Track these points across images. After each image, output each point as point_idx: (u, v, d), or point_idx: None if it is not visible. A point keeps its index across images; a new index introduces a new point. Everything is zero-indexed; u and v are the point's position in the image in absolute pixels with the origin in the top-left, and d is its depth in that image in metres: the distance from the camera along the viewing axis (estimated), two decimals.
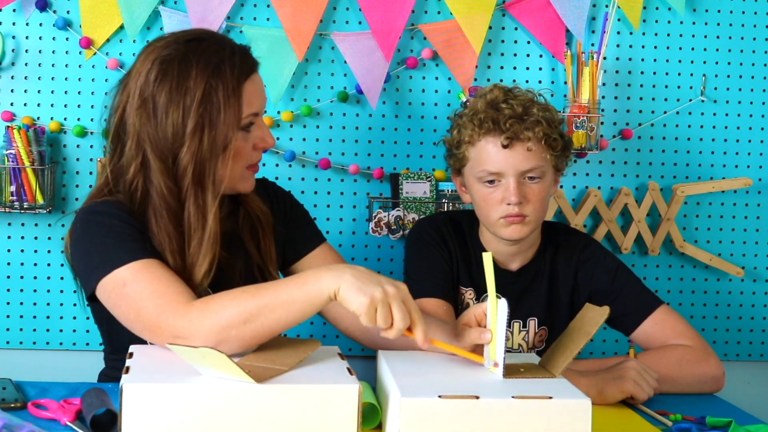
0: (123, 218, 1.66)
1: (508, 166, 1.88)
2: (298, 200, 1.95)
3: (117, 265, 1.59)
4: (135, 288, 1.57)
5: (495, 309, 1.50)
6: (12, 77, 2.28)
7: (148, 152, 1.66)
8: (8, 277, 2.30)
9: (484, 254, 1.52)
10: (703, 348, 1.89)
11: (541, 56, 2.41)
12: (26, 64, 2.28)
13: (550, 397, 1.37)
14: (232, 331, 1.47)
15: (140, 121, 1.66)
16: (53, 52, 2.28)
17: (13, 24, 2.27)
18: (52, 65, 2.29)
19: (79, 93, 2.29)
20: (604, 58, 2.38)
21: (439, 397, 1.35)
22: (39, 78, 2.28)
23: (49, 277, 2.31)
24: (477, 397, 1.36)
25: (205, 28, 1.82)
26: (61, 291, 2.31)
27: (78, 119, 2.29)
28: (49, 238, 2.30)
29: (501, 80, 2.38)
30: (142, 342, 1.60)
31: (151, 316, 1.54)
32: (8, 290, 2.31)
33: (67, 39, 2.28)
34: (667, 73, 2.44)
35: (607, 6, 2.39)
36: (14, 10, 2.27)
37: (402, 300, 1.45)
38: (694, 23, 2.43)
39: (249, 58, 1.71)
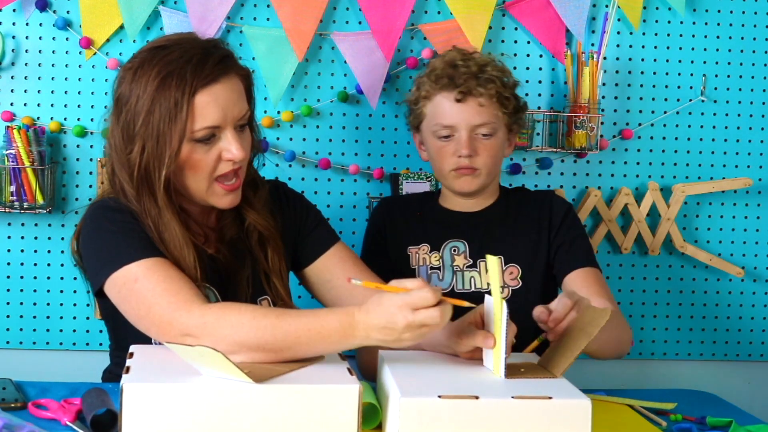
0: (133, 215, 1.67)
1: (461, 119, 1.96)
2: (310, 201, 1.95)
3: (128, 261, 1.60)
4: (147, 285, 1.57)
5: (500, 311, 1.49)
6: (12, 77, 2.28)
7: (112, 155, 1.71)
8: (8, 277, 2.30)
9: (490, 257, 1.50)
10: (620, 314, 1.92)
11: (541, 56, 2.40)
12: (26, 64, 2.28)
13: (550, 397, 1.37)
14: (242, 348, 1.48)
15: (109, 125, 1.73)
16: (53, 52, 2.28)
17: (13, 24, 2.27)
18: (52, 65, 2.29)
19: (79, 93, 2.29)
20: (604, 58, 2.38)
21: (439, 397, 1.35)
22: (39, 78, 2.28)
23: (49, 277, 2.31)
24: (477, 397, 1.36)
25: (187, 34, 1.77)
26: (61, 291, 2.31)
27: (78, 119, 2.29)
28: (49, 238, 2.30)
29: None
30: (147, 341, 1.60)
31: (163, 312, 1.54)
32: (8, 290, 2.30)
33: (67, 39, 2.28)
34: (667, 73, 2.43)
35: (607, 6, 2.39)
36: (14, 10, 2.27)
37: (414, 311, 1.43)
38: (694, 23, 2.43)
39: (205, 70, 1.64)
